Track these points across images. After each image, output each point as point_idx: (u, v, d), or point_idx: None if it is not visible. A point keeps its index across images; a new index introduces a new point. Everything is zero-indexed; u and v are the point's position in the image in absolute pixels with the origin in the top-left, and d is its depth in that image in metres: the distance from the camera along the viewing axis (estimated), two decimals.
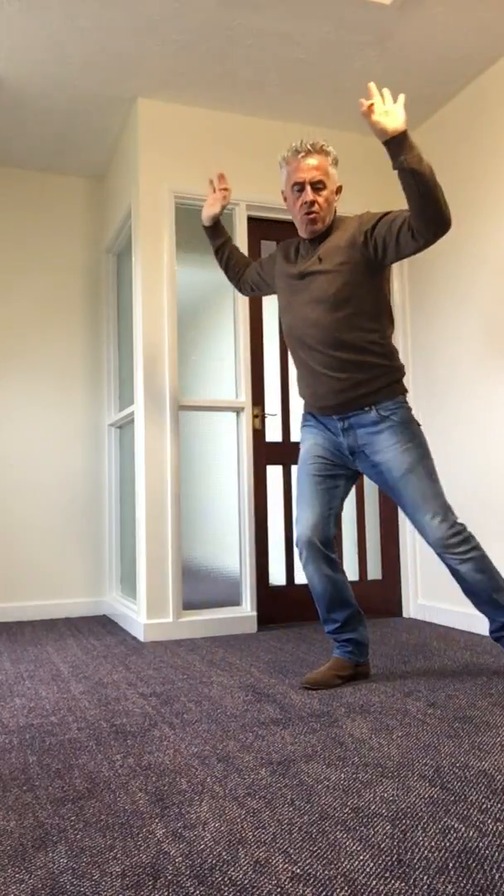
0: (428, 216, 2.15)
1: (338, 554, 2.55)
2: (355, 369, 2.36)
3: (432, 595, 3.78)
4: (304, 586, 3.84)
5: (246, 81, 3.51)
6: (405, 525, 3.98)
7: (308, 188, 2.35)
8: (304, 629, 3.60)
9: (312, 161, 2.34)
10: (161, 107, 3.67)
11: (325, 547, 2.47)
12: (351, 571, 3.96)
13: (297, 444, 3.87)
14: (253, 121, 3.83)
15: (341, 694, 2.37)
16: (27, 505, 4.17)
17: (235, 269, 2.78)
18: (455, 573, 2.36)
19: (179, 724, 2.09)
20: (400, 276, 4.06)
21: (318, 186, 2.35)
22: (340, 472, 2.51)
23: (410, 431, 2.38)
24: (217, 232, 2.80)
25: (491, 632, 2.44)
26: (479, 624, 3.40)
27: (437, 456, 3.76)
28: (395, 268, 4.07)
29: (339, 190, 2.44)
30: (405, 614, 3.97)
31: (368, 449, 2.41)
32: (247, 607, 3.60)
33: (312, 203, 2.35)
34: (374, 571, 3.99)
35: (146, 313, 3.54)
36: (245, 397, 3.65)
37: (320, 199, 2.35)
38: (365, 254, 2.33)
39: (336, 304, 2.35)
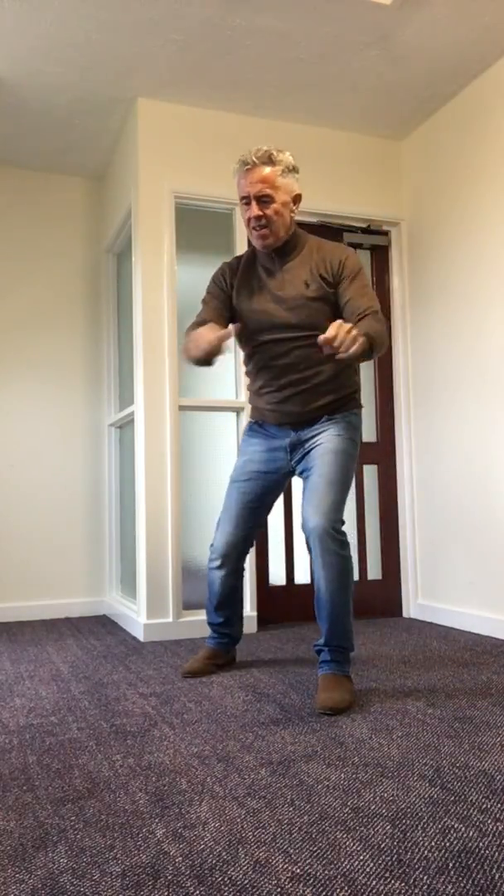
0: (375, 356, 2.28)
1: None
2: (329, 389, 2.42)
3: (432, 595, 3.78)
4: (305, 586, 3.84)
5: (246, 81, 3.51)
6: (405, 525, 3.98)
7: (254, 203, 2.30)
8: (304, 629, 3.60)
9: (258, 173, 2.28)
10: (161, 107, 3.67)
11: (239, 560, 2.62)
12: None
13: None
14: (253, 121, 3.83)
15: None
16: (27, 505, 4.17)
17: None
18: (316, 571, 2.30)
19: (179, 724, 2.09)
20: (400, 275, 4.06)
21: (264, 200, 2.30)
22: (272, 485, 2.53)
23: (351, 431, 2.43)
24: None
25: (317, 645, 2.35)
26: (479, 624, 3.40)
27: (435, 455, 3.76)
28: (395, 267, 4.08)
29: (296, 199, 2.37)
30: (405, 614, 3.97)
31: (310, 442, 2.43)
32: (247, 607, 3.60)
33: (259, 217, 2.31)
34: (374, 571, 3.99)
35: (146, 313, 3.54)
36: (245, 397, 3.65)
37: (268, 212, 2.30)
38: (327, 295, 2.38)
39: (312, 328, 2.37)
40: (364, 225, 4.02)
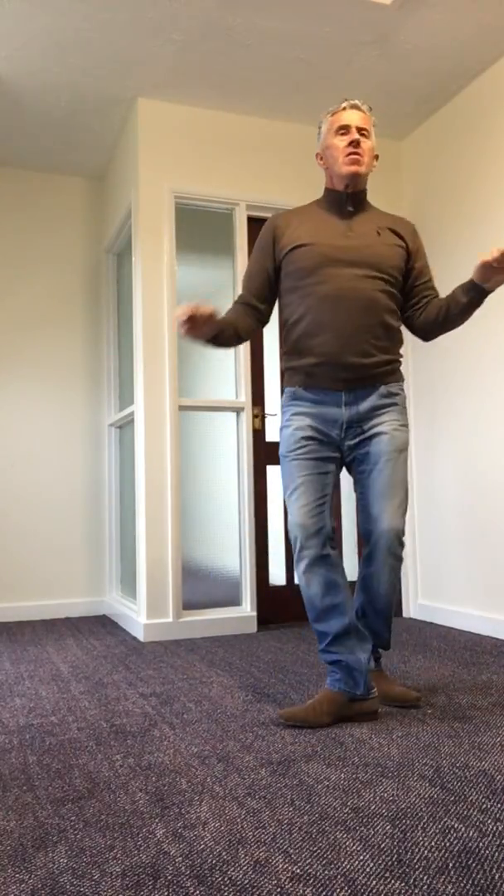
0: (447, 330, 2.31)
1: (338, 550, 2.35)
2: (387, 346, 2.26)
3: (432, 595, 3.78)
4: None
5: (246, 81, 3.51)
6: (406, 525, 3.97)
7: (353, 129, 2.26)
8: (304, 629, 3.60)
9: (362, 114, 2.30)
10: (161, 107, 3.67)
11: (324, 540, 2.21)
12: (351, 571, 3.96)
13: None
14: (253, 121, 3.83)
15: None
16: (27, 505, 4.17)
17: (248, 325, 2.35)
18: (375, 574, 2.22)
19: (179, 724, 2.09)
20: None
21: (363, 133, 2.28)
22: (329, 459, 2.25)
23: (406, 418, 2.31)
24: (218, 333, 2.28)
25: (374, 649, 2.30)
26: (479, 624, 3.40)
27: (436, 453, 3.76)
28: None
29: (376, 157, 2.37)
30: (405, 614, 3.97)
31: (369, 423, 2.24)
32: (247, 607, 3.60)
33: (357, 143, 2.24)
34: None
35: (146, 313, 3.54)
36: (245, 397, 3.65)
37: (364, 144, 2.26)
38: (400, 251, 2.30)
39: (389, 278, 2.26)
40: None
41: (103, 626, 3.83)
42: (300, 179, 3.87)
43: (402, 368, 4.02)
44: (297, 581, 2.28)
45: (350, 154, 2.25)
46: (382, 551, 2.20)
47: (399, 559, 2.23)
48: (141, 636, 3.40)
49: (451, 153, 3.68)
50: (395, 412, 2.25)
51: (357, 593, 2.32)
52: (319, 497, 2.20)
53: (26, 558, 4.13)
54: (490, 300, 3.39)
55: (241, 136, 3.80)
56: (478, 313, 3.47)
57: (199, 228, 3.73)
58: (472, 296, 2.19)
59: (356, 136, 2.26)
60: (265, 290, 2.35)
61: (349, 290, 2.21)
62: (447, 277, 3.69)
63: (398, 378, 2.30)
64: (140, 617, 3.46)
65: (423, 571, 3.86)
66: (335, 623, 2.13)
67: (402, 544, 2.23)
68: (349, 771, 1.70)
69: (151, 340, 3.54)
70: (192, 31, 3.13)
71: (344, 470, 3.88)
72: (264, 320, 2.38)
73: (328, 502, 2.22)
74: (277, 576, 3.83)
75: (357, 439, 2.23)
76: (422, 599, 3.86)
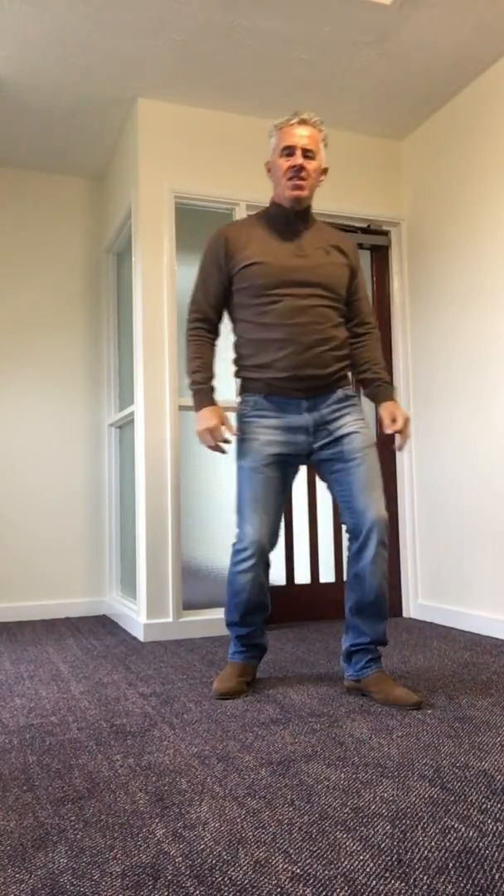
0: None
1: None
2: (340, 356, 2.39)
3: (432, 595, 3.78)
4: (305, 586, 3.84)
5: (246, 81, 3.51)
6: (405, 525, 3.98)
7: (298, 152, 2.31)
8: (304, 629, 3.60)
9: (305, 131, 2.32)
10: (161, 107, 3.67)
11: (269, 555, 2.41)
12: (326, 571, 3.96)
13: None
14: (253, 121, 3.83)
15: (341, 694, 2.37)
16: (27, 505, 4.17)
17: (212, 348, 2.49)
18: (368, 566, 2.28)
19: (179, 724, 2.09)
20: (400, 275, 4.06)
21: (308, 154, 2.32)
22: (291, 469, 2.41)
23: (364, 417, 2.44)
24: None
25: (362, 644, 2.34)
26: (479, 624, 3.40)
27: (435, 454, 3.76)
28: (395, 267, 4.08)
29: (324, 171, 2.41)
30: (405, 614, 3.97)
31: (334, 424, 2.36)
32: None
33: (301, 168, 2.30)
34: None
35: (146, 313, 3.54)
36: None
37: (309, 167, 2.32)
38: (344, 270, 2.44)
39: (337, 297, 2.40)
40: (364, 225, 4.02)
41: (103, 626, 3.83)
42: None
43: (396, 369, 4.03)
44: (228, 577, 2.41)
45: (292, 178, 2.32)
46: (374, 541, 2.28)
47: (387, 548, 2.33)
48: (141, 636, 3.40)
49: (451, 153, 3.68)
50: (355, 412, 2.40)
51: (349, 592, 2.35)
52: (277, 517, 2.38)
53: (26, 558, 4.13)
54: (490, 301, 3.39)
55: (241, 136, 3.80)
56: (478, 313, 3.47)
57: (199, 228, 3.74)
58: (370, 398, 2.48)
59: (300, 160, 2.31)
60: (222, 302, 2.46)
61: (304, 308, 2.33)
62: (447, 277, 3.69)
63: (349, 382, 2.46)
64: (140, 617, 3.46)
65: (423, 571, 3.86)
66: (261, 616, 2.45)
67: (388, 532, 2.33)
68: (349, 771, 1.70)
69: (151, 340, 3.54)
70: (192, 31, 3.13)
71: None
72: (218, 338, 2.52)
73: (280, 518, 2.41)
74: (277, 576, 3.83)
75: (326, 440, 2.36)
76: (422, 599, 3.86)
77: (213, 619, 3.49)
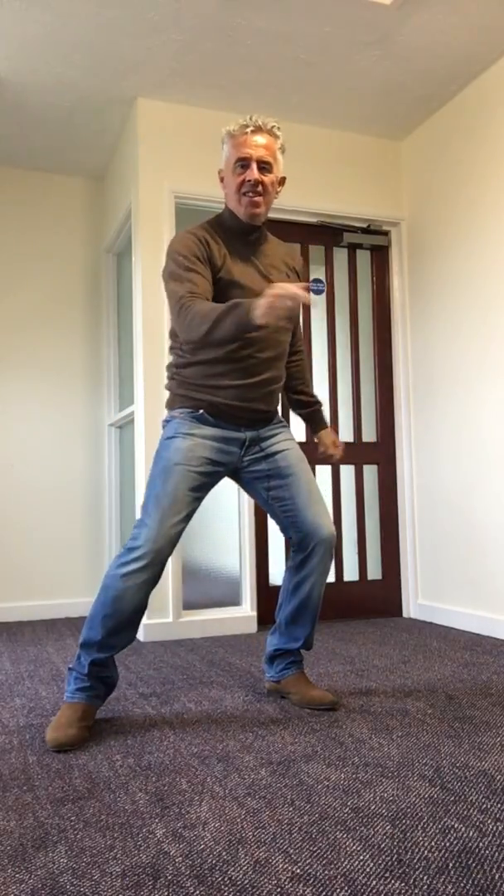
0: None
1: (333, 556, 2.36)
2: (279, 387, 2.28)
3: (432, 595, 3.78)
4: None
5: (246, 81, 3.51)
6: (405, 525, 3.98)
7: (254, 165, 2.10)
8: None
9: (261, 139, 2.11)
10: (161, 107, 3.67)
11: (165, 563, 2.12)
12: (351, 571, 3.96)
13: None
14: None
15: (341, 694, 2.37)
16: (27, 505, 4.17)
17: None
18: (311, 577, 2.23)
19: (179, 724, 2.09)
20: (400, 275, 4.06)
21: (264, 166, 2.12)
22: (216, 480, 2.22)
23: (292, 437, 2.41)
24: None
25: (289, 649, 2.31)
26: (479, 624, 3.40)
27: (435, 455, 3.76)
28: (395, 267, 4.08)
29: (282, 181, 2.21)
30: (405, 614, 3.97)
31: (267, 442, 2.25)
32: (247, 607, 3.60)
33: (257, 183, 2.10)
34: (374, 571, 3.99)
35: (146, 313, 3.54)
36: None
37: (265, 180, 2.11)
38: None
39: (294, 326, 2.34)
40: (364, 225, 4.02)
41: None
42: (300, 179, 3.87)
43: (396, 369, 4.03)
44: (112, 585, 2.02)
45: (247, 194, 2.12)
46: (324, 555, 2.24)
47: (332, 558, 2.31)
48: (141, 636, 3.40)
49: (451, 153, 3.68)
50: (285, 431, 2.34)
51: (287, 600, 2.30)
52: (185, 521, 2.11)
53: (26, 558, 4.13)
54: (490, 300, 3.39)
55: None
56: (478, 313, 3.47)
57: None
58: (307, 424, 2.49)
59: (255, 174, 2.10)
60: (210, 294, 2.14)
61: (269, 342, 2.17)
62: (447, 277, 3.69)
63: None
64: None
65: (423, 571, 3.86)
66: (127, 639, 2.07)
67: (333, 545, 2.31)
68: (349, 771, 1.70)
69: (151, 340, 3.54)
70: (192, 31, 3.13)
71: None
72: None
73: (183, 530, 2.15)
74: (277, 576, 3.83)
75: (256, 455, 2.24)
76: (422, 599, 3.86)
77: (213, 619, 3.49)
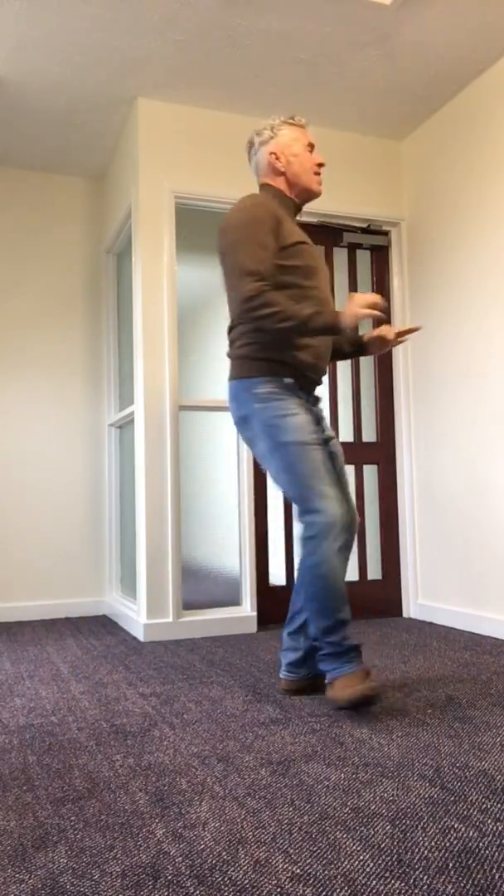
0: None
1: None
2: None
3: (432, 595, 3.78)
4: None
5: (246, 81, 3.51)
6: (405, 525, 3.98)
7: (318, 152, 2.46)
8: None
9: None
10: (161, 107, 3.67)
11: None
12: (351, 571, 3.96)
13: None
14: (253, 121, 3.83)
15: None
16: (27, 505, 4.17)
17: None
18: (342, 559, 2.30)
19: (179, 724, 2.09)
20: (400, 275, 4.06)
21: None
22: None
23: None
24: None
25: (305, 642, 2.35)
26: (479, 624, 3.40)
27: (435, 455, 3.76)
28: (395, 267, 4.08)
29: None
30: (405, 614, 3.97)
31: (319, 425, 2.36)
32: (247, 607, 3.60)
33: (322, 165, 2.42)
34: (374, 571, 3.99)
35: (146, 313, 3.54)
36: None
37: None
38: None
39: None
40: (364, 225, 4.02)
41: (103, 626, 3.83)
42: None
43: (396, 369, 4.03)
44: (320, 569, 2.14)
45: (318, 174, 2.40)
46: (349, 542, 2.28)
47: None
48: (141, 636, 3.40)
49: (451, 153, 3.68)
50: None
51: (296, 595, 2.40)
52: (341, 488, 2.29)
53: (26, 558, 4.13)
54: (489, 300, 3.39)
55: (241, 136, 3.80)
56: (478, 313, 3.47)
57: (199, 228, 3.74)
58: (354, 352, 2.46)
59: (321, 158, 2.41)
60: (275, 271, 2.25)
61: (329, 301, 2.37)
62: (447, 277, 3.69)
63: None
64: (140, 617, 3.46)
65: (423, 571, 3.86)
66: (348, 609, 2.20)
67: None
68: (349, 771, 1.70)
69: (151, 340, 3.54)
70: (192, 31, 3.13)
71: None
72: None
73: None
74: (277, 576, 3.83)
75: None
76: (422, 599, 3.86)
77: (213, 619, 3.49)
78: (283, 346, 2.26)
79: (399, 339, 2.38)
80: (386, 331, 2.34)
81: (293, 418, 2.20)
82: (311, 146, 2.41)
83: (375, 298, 2.13)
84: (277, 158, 2.35)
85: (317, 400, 2.40)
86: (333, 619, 2.15)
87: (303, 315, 2.12)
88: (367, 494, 4.02)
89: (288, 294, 2.24)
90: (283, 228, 2.25)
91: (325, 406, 3.96)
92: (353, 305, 2.12)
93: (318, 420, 2.33)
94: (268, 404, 2.22)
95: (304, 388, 2.31)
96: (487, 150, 3.44)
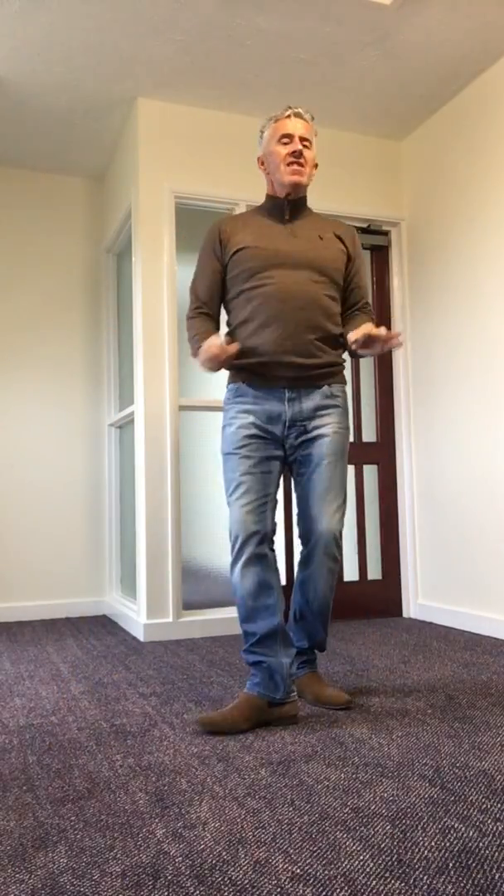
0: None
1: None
2: (329, 348, 2.28)
3: (432, 595, 3.78)
4: None
5: (246, 81, 3.51)
6: (405, 525, 3.98)
7: (296, 139, 2.27)
8: None
9: (300, 122, 2.31)
10: (161, 107, 3.67)
11: (267, 540, 2.19)
12: (351, 571, 3.96)
13: None
14: (253, 121, 3.83)
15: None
16: (27, 505, 4.17)
17: (213, 325, 2.40)
18: (313, 575, 2.25)
19: (179, 724, 2.09)
20: (400, 275, 4.06)
21: (304, 143, 2.29)
22: (271, 453, 2.23)
23: (347, 420, 2.33)
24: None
25: (299, 648, 2.34)
26: (479, 624, 3.40)
27: (435, 455, 3.76)
28: (395, 267, 4.08)
29: (315, 166, 2.39)
30: (405, 614, 3.97)
31: (311, 422, 2.25)
32: None
33: (300, 153, 2.26)
34: (374, 571, 3.99)
35: (146, 313, 3.54)
36: None
37: (306, 154, 2.29)
38: (341, 254, 2.36)
39: (331, 281, 2.30)
40: (364, 225, 4.02)
41: (103, 626, 3.83)
42: None
43: (396, 369, 4.03)
44: (232, 579, 2.16)
45: (292, 164, 2.28)
46: (320, 553, 2.23)
47: (336, 561, 2.26)
48: (141, 636, 3.40)
49: (451, 153, 3.68)
50: (337, 414, 2.28)
51: (294, 595, 2.34)
52: (262, 496, 2.17)
53: (26, 558, 4.13)
54: (489, 300, 3.39)
55: (241, 136, 3.80)
56: (478, 313, 3.47)
57: (199, 228, 3.73)
58: (351, 353, 2.35)
59: (299, 145, 2.28)
60: (216, 293, 2.36)
61: (293, 291, 2.24)
62: (447, 277, 3.69)
63: (341, 380, 2.34)
64: (140, 617, 3.46)
65: (423, 571, 3.86)
66: (263, 624, 2.10)
67: (339, 546, 2.26)
68: (349, 771, 1.70)
69: (151, 340, 3.54)
70: (192, 31, 3.13)
71: None
72: (218, 325, 2.41)
73: (270, 502, 2.19)
74: (282, 576, 3.83)
75: (300, 439, 2.25)
76: (422, 599, 3.86)
77: (213, 619, 3.49)
78: (237, 354, 2.25)
79: (389, 341, 2.21)
80: (370, 329, 2.17)
81: (227, 428, 2.27)
82: (288, 136, 2.28)
83: (230, 350, 2.14)
84: (262, 163, 2.38)
85: (312, 390, 2.25)
86: (242, 630, 2.16)
87: (189, 341, 2.33)
88: (367, 494, 4.02)
89: (237, 301, 2.31)
90: (232, 241, 2.30)
91: None
92: (211, 347, 2.13)
93: (269, 419, 2.21)
94: (224, 412, 2.34)
95: (263, 386, 2.23)
96: (488, 149, 3.44)
